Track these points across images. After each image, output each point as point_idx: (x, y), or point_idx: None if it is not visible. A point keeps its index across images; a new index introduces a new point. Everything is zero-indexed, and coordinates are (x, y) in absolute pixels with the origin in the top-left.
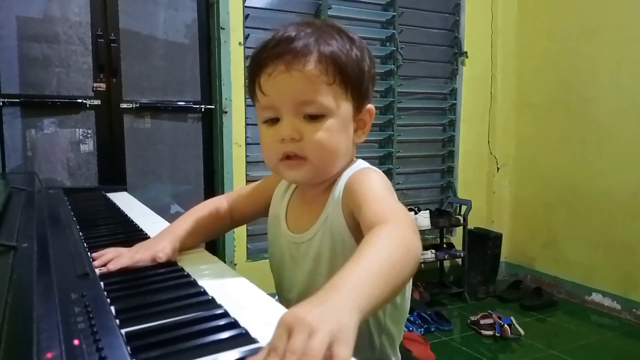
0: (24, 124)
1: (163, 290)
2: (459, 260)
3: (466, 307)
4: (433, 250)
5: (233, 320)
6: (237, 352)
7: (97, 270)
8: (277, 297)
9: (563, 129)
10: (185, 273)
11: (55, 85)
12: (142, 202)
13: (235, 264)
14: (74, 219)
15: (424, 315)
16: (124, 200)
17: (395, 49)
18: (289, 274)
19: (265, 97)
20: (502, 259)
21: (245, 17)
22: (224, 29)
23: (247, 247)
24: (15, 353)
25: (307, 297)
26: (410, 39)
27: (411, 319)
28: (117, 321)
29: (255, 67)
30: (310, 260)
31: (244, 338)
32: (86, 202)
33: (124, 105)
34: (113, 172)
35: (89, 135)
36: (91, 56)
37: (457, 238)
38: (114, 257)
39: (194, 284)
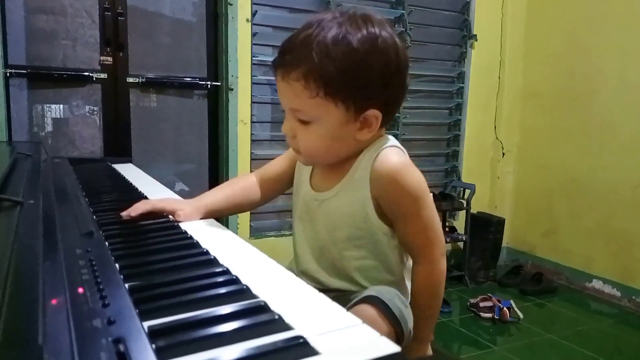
0: (30, 96)
1: (166, 250)
2: (461, 244)
3: (466, 291)
4: None
5: (234, 277)
6: (238, 305)
7: (101, 231)
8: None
9: (567, 119)
10: (189, 235)
11: (62, 58)
12: None
13: None
14: (79, 185)
15: None
16: (129, 171)
17: (404, 29)
18: (308, 233)
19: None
20: (503, 244)
21: None
22: (231, 4)
23: (250, 225)
24: (20, 297)
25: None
26: (419, 20)
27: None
28: (121, 276)
29: None
30: (328, 216)
31: (245, 293)
32: (92, 171)
33: (130, 80)
34: (118, 146)
35: (95, 110)
36: (98, 29)
37: (459, 222)
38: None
39: (196, 245)
